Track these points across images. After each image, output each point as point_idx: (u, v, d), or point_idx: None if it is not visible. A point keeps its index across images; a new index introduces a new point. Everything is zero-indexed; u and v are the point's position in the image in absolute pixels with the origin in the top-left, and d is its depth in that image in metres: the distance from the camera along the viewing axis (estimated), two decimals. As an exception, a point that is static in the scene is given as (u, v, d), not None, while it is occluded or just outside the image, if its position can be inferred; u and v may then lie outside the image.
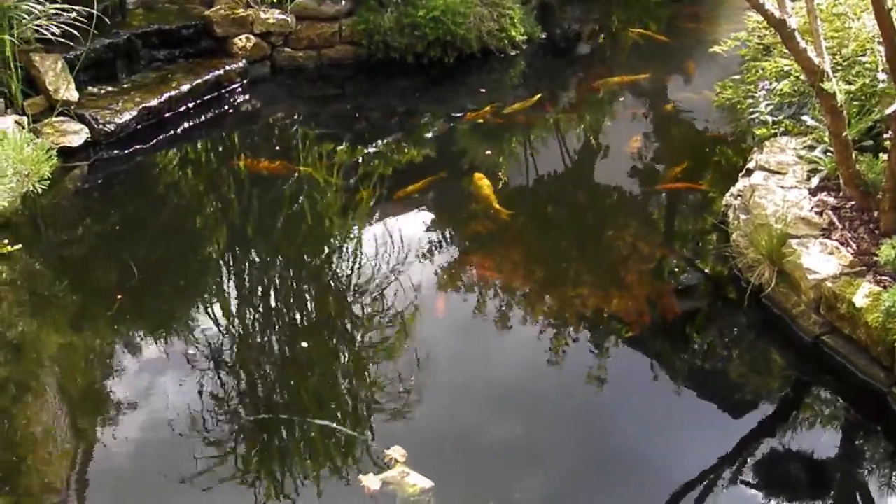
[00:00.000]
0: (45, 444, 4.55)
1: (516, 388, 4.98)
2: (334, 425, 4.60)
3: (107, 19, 8.23)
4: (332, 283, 6.01)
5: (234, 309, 5.71)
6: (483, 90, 9.41)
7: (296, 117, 8.77)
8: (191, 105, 8.52)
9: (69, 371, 5.09)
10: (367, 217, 6.73)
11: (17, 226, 6.38)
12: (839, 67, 6.09)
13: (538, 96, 8.82)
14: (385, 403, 4.80)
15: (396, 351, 5.22)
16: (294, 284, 6.01)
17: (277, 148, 8.04)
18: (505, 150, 8.05)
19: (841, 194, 5.69)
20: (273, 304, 5.79)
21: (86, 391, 4.96)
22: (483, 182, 7.09)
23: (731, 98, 7.29)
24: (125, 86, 8.36)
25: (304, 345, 5.31)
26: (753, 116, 6.85)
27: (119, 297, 5.69)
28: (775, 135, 6.59)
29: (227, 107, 8.77)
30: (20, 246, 6.03)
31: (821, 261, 5.13)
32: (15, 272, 5.89)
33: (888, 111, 4.91)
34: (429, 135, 8.30)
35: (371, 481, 4.21)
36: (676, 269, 6.17)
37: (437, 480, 4.19)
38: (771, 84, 6.84)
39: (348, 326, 5.58)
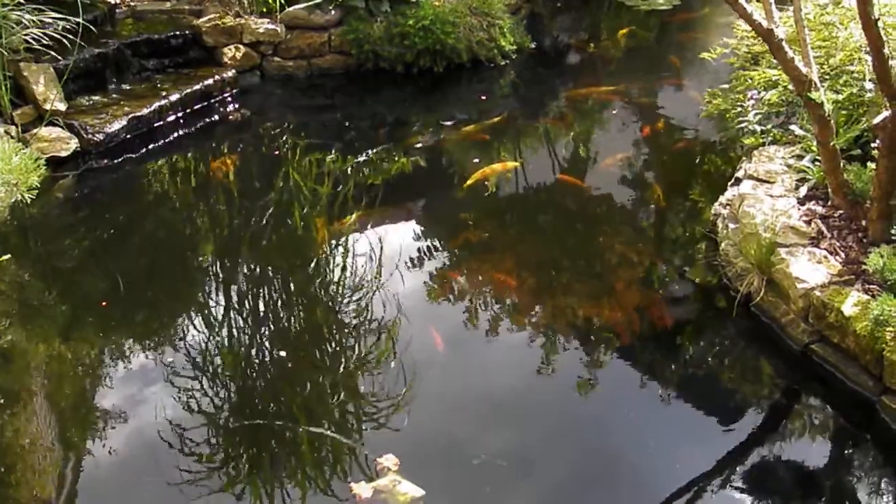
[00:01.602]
0: (34, 453, 4.54)
1: (509, 397, 4.97)
2: (327, 433, 4.60)
3: (96, 29, 8.24)
4: (321, 293, 6.01)
5: (223, 318, 5.70)
6: (484, 97, 9.48)
7: (286, 126, 8.77)
8: (180, 115, 8.51)
9: (58, 380, 5.08)
10: (353, 227, 6.72)
11: (5, 235, 6.39)
12: (827, 77, 6.11)
13: (498, 118, 8.70)
14: (377, 412, 4.80)
15: (387, 360, 5.21)
16: (282, 294, 6.00)
17: (276, 153, 8.06)
18: (495, 159, 8.05)
19: (829, 203, 5.70)
20: (261, 313, 5.78)
21: (75, 401, 4.95)
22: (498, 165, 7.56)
23: (719, 107, 7.30)
24: (114, 95, 8.37)
25: (299, 354, 5.31)
26: (742, 126, 6.87)
27: (104, 304, 5.70)
28: (764, 144, 6.61)
29: (216, 116, 8.76)
30: (8, 256, 6.02)
31: (809, 270, 5.14)
32: (3, 282, 5.87)
33: (876, 121, 4.92)
34: (419, 144, 8.30)
35: (362, 489, 4.21)
36: (666, 279, 6.17)
37: (429, 489, 4.19)
38: (759, 93, 6.86)
39: (339, 336, 5.57)
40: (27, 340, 5.37)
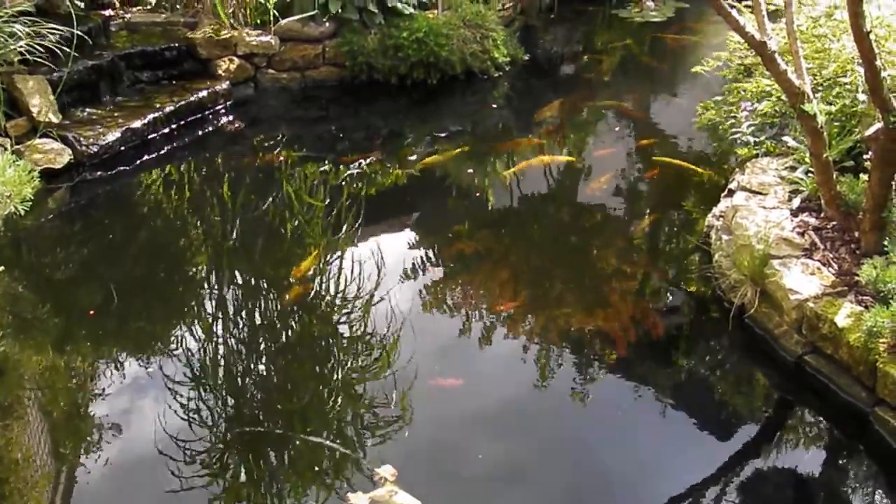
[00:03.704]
0: (28, 467, 4.52)
1: (505, 408, 4.97)
2: (325, 442, 4.60)
3: (90, 41, 8.25)
4: (317, 304, 6.00)
5: (218, 329, 5.70)
6: (495, 105, 9.65)
7: (280, 138, 8.78)
8: (174, 126, 8.53)
9: (52, 392, 5.06)
10: (348, 238, 6.72)
11: (-2, 248, 6.38)
12: (819, 88, 6.12)
13: (459, 150, 8.43)
14: (375, 423, 4.79)
15: (386, 371, 5.21)
16: (278, 305, 5.99)
17: (270, 164, 8.06)
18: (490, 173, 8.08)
19: (822, 215, 5.72)
20: (258, 324, 5.77)
21: (70, 412, 4.93)
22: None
23: (712, 119, 7.32)
24: (109, 107, 8.37)
25: (296, 364, 5.31)
26: (735, 137, 6.89)
27: (91, 313, 5.70)
28: (757, 155, 6.63)
29: (210, 128, 8.78)
30: (2, 268, 6.01)
31: (802, 281, 5.15)
32: (-3, 294, 5.88)
33: (868, 132, 4.94)
34: (412, 157, 8.30)
35: (359, 500, 4.19)
36: (660, 291, 6.18)
37: (426, 501, 4.18)
38: (752, 105, 6.87)
39: (336, 347, 5.57)
40: (21, 352, 5.35)
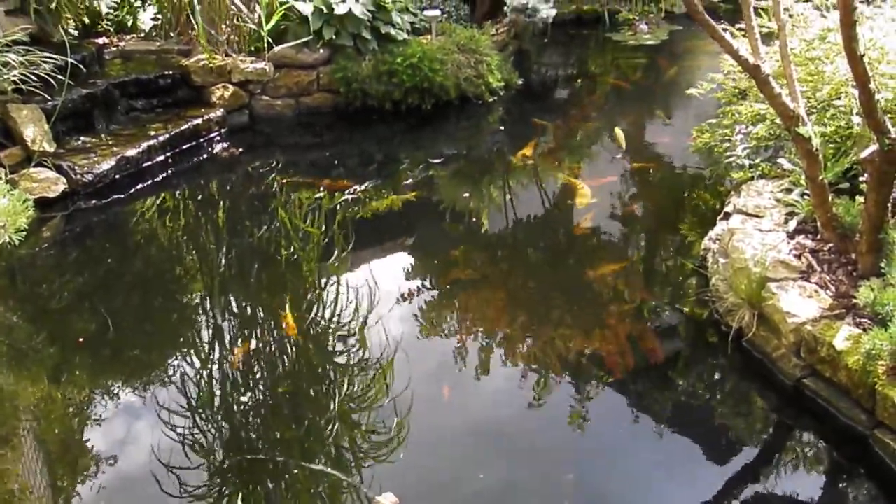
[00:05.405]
0: (24, 497, 4.49)
1: (504, 433, 4.95)
2: (325, 469, 4.57)
3: (84, 69, 8.26)
4: (313, 331, 5.98)
5: (215, 357, 5.67)
6: (501, 128, 9.73)
7: (274, 165, 8.78)
8: (169, 154, 8.54)
9: (47, 422, 5.03)
10: (344, 264, 6.71)
11: (-7, 278, 6.36)
12: (814, 111, 6.13)
13: (413, 193, 8.15)
14: (376, 449, 4.77)
15: (385, 397, 5.18)
16: (274, 332, 5.96)
17: (265, 191, 8.04)
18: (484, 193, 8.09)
19: (819, 237, 5.71)
20: (254, 351, 5.74)
21: (65, 442, 4.90)
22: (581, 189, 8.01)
23: (708, 142, 7.32)
24: (103, 136, 8.38)
25: (294, 391, 5.29)
26: (730, 160, 6.89)
27: (86, 341, 5.69)
28: (752, 178, 6.63)
29: (205, 156, 8.79)
30: (-4, 298, 6.01)
31: (800, 304, 5.13)
32: (-9, 325, 5.85)
33: (863, 154, 4.94)
34: (409, 181, 8.30)
35: (359, 528, 4.18)
36: (658, 314, 6.16)
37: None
38: (747, 128, 6.88)
39: (335, 373, 5.55)
40: (16, 382, 5.33)
